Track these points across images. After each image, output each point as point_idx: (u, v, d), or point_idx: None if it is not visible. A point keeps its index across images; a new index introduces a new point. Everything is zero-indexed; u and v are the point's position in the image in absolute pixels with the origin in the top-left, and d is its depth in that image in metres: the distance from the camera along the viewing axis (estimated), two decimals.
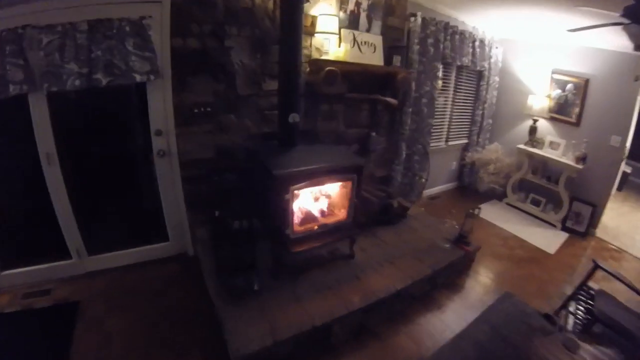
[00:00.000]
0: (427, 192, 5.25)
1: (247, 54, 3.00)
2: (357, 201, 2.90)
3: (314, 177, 2.61)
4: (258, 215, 2.68)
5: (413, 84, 4.00)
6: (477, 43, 4.77)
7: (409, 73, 3.78)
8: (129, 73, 2.48)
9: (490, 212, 5.05)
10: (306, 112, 3.37)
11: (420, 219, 3.97)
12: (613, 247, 4.61)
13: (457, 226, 3.63)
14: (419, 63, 4.01)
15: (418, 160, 4.45)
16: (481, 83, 5.20)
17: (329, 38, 3.28)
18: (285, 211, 2.53)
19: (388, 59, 3.68)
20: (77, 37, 2.25)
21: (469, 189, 5.80)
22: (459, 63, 4.57)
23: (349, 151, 3.32)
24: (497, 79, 5.39)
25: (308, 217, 2.91)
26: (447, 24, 4.23)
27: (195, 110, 2.90)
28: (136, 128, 2.93)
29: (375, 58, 3.56)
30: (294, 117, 2.75)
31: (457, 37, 4.42)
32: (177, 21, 2.60)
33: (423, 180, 4.54)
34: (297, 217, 2.80)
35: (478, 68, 4.96)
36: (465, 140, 5.56)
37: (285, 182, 2.47)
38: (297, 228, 2.74)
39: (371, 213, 3.55)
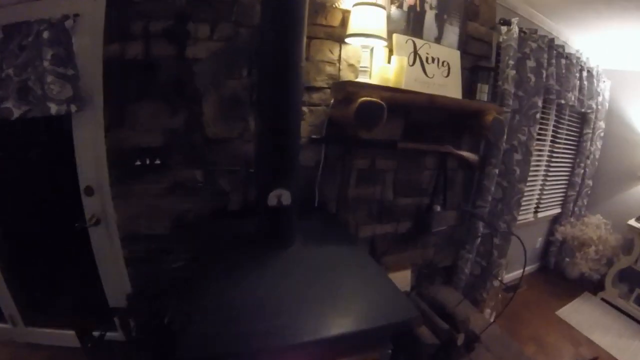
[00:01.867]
0: (504, 276, 3.56)
1: (225, 69, 1.73)
2: None
3: None
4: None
5: (505, 130, 2.43)
6: (584, 74, 3.19)
7: (501, 113, 2.23)
8: (44, 102, 1.65)
9: (580, 314, 3.40)
10: (327, 169, 1.97)
11: (493, 347, 2.37)
12: None
13: None
14: (513, 97, 2.45)
15: (500, 244, 2.83)
16: (585, 130, 3.57)
17: (371, 47, 1.83)
18: None
19: (469, 88, 2.17)
20: None
21: (554, 272, 4.10)
22: (562, 101, 2.98)
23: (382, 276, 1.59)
24: (602, 125, 3.75)
25: None
26: (551, 40, 2.70)
27: (138, 163, 1.74)
28: (64, 182, 1.94)
29: (449, 85, 2.07)
30: (279, 197, 1.40)
31: (563, 62, 2.87)
32: (114, 18, 1.63)
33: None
34: None
35: (583, 109, 3.34)
36: (558, 210, 3.89)
37: None
38: None
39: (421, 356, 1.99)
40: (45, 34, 1.60)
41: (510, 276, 3.63)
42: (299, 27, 1.32)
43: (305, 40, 1.39)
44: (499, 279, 3.09)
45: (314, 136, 1.86)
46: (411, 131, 2.07)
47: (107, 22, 1.63)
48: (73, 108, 1.67)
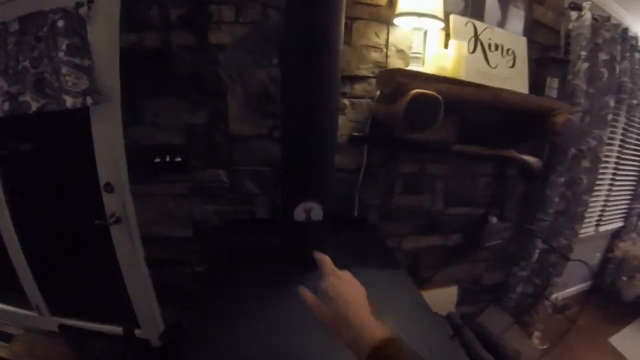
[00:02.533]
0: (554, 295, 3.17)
1: (252, 57, 1.49)
2: None
3: None
4: None
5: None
6: None
7: (573, 113, 1.88)
8: (59, 94, 1.53)
9: (636, 344, 2.93)
10: (370, 174, 1.71)
11: None
12: None
13: None
14: (585, 95, 2.08)
15: (557, 263, 2.45)
16: None
17: (424, 29, 1.53)
18: None
19: (536, 82, 1.83)
20: (7, 42, 1.52)
21: (609, 293, 3.59)
22: (634, 101, 2.58)
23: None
24: None
25: None
26: (624, 31, 2.31)
27: (157, 160, 1.60)
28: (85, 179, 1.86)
29: (514, 78, 1.75)
30: (308, 211, 1.15)
31: (637, 56, 2.47)
32: (129, 6, 1.48)
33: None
34: None
35: None
36: (620, 224, 3.44)
37: None
38: None
39: None
40: (60, 23, 1.48)
41: (562, 293, 3.24)
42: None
43: (344, 19, 1.11)
44: (551, 299, 2.73)
45: (355, 134, 1.58)
46: (466, 132, 1.75)
47: (123, 8, 1.48)
48: (89, 101, 1.52)
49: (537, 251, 2.35)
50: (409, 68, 1.50)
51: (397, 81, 1.40)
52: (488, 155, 1.81)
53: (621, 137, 2.89)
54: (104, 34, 1.53)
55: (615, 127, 2.77)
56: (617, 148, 2.91)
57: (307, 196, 1.12)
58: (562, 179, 2.16)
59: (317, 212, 1.12)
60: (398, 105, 1.37)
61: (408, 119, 1.34)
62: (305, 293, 0.75)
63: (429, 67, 1.53)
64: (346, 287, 0.73)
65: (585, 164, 2.24)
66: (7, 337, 2.22)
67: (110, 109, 1.60)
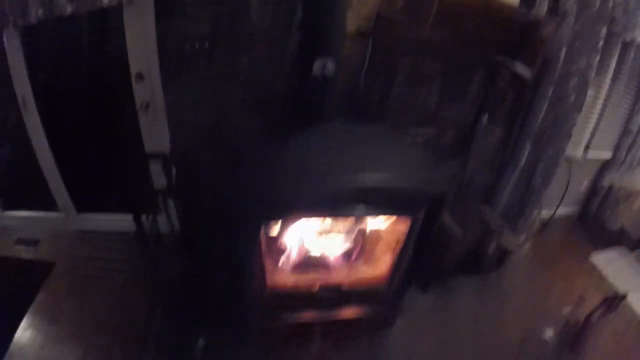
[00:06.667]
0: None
1: None
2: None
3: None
4: None
5: (563, 51, 2.21)
6: None
7: (558, 28, 2.04)
8: None
9: (612, 267, 3.18)
10: (372, 66, 1.84)
11: (521, 270, 2.49)
12: None
13: None
14: (575, 18, 2.21)
15: (543, 172, 2.64)
16: None
17: None
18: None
19: None
20: None
21: (594, 222, 3.77)
22: (627, 38, 2.67)
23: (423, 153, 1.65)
24: None
25: (309, 262, 1.52)
26: None
27: (186, 46, 1.71)
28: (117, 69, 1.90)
29: None
30: (324, 65, 1.31)
31: None
32: None
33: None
34: (286, 258, 1.50)
35: None
36: (609, 155, 3.56)
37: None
38: (281, 278, 1.46)
39: (449, 255, 1.96)
40: None
41: (546, 212, 3.35)
42: None
43: None
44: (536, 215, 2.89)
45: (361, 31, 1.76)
46: (458, 38, 1.91)
47: None
48: None
49: (525, 158, 2.54)
50: None
51: None
52: (481, 60, 2.02)
53: (613, 70, 2.99)
54: None
55: (607, 60, 2.88)
56: (609, 82, 3.03)
57: (323, 52, 1.29)
58: (551, 92, 2.31)
59: (330, 67, 1.30)
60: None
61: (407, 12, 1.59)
62: None
63: None
64: None
65: (574, 81, 2.34)
66: (33, 243, 2.34)
67: (144, 5, 1.63)
